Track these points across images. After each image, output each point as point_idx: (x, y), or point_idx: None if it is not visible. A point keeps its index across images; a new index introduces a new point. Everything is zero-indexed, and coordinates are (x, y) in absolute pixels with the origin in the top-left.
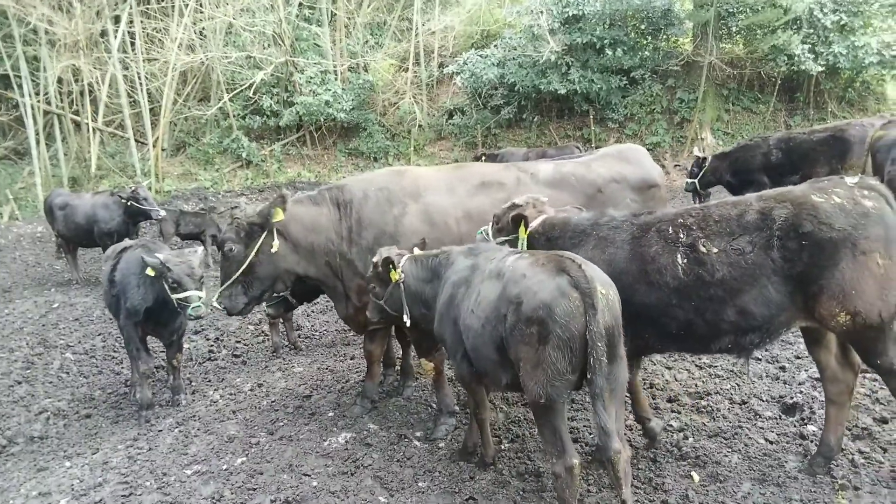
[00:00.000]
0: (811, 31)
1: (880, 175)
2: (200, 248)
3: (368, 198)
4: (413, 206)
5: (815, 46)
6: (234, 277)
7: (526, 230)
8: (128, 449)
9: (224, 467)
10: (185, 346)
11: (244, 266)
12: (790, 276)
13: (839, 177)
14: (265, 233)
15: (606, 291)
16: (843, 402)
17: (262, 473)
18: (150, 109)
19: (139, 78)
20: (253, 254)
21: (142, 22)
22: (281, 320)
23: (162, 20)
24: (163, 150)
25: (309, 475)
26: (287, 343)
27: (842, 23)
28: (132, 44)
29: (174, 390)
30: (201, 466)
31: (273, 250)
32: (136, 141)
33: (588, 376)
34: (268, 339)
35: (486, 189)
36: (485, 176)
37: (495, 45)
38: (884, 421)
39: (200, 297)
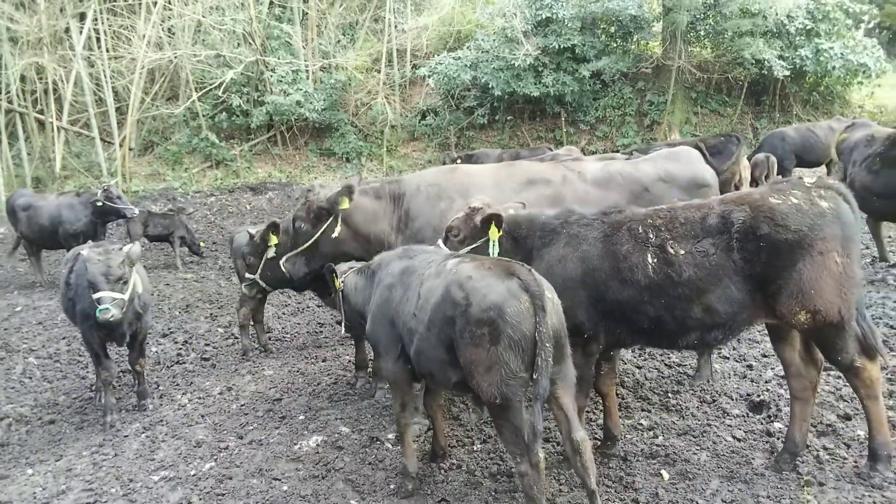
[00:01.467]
0: (778, 35)
1: (843, 176)
2: (133, 246)
3: (420, 192)
4: (460, 201)
5: (783, 51)
6: (300, 250)
7: (499, 230)
8: (93, 455)
9: (192, 473)
10: (153, 349)
11: (308, 243)
12: (750, 276)
13: (798, 177)
14: (331, 218)
15: (552, 296)
16: (807, 399)
17: (231, 479)
18: (117, 108)
19: (105, 76)
20: (318, 234)
21: (108, 19)
22: (252, 322)
23: (129, 17)
24: (130, 149)
25: (279, 480)
26: (257, 346)
27: (808, 28)
28: (98, 41)
29: (140, 395)
30: (168, 472)
31: (334, 235)
32: (103, 140)
33: (534, 376)
34: (238, 342)
35: (532, 186)
36: (532, 174)
37: (468, 47)
38: (847, 417)
39: (113, 300)
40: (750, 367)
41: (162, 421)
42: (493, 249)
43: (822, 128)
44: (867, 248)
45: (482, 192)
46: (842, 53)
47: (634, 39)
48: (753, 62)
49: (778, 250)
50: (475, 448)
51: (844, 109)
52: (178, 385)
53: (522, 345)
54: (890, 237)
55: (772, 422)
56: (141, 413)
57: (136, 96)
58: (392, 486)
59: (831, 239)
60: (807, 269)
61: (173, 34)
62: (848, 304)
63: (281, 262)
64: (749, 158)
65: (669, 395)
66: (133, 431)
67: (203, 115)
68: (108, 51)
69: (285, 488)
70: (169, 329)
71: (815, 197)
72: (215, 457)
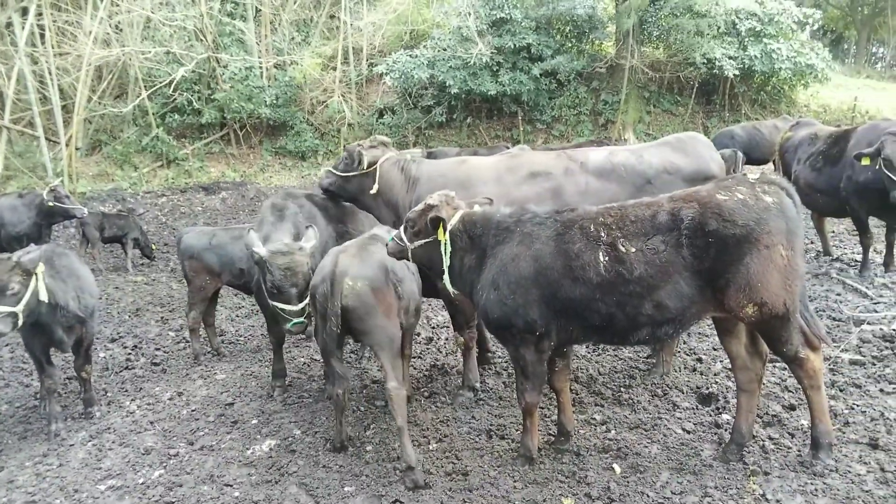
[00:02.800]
0: (728, 35)
1: (787, 173)
2: (32, 254)
3: (429, 180)
4: (462, 193)
5: (732, 51)
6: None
7: (445, 232)
8: (36, 466)
9: (140, 481)
10: (101, 354)
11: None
12: (699, 271)
13: (742, 174)
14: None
15: (354, 282)
16: (752, 390)
17: (181, 486)
18: (63, 106)
19: (50, 73)
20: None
21: (52, 14)
22: (203, 325)
23: (74, 13)
24: (76, 149)
25: (231, 485)
26: (210, 349)
27: (757, 29)
28: (42, 37)
29: (86, 403)
30: (116, 481)
31: (372, 191)
32: (48, 140)
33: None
34: (188, 346)
35: (533, 179)
36: (535, 166)
37: (425, 46)
38: (792, 408)
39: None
40: (700, 360)
41: (109, 428)
42: (444, 248)
43: (767, 126)
44: (811, 242)
45: (485, 185)
46: (789, 55)
47: (589, 39)
48: (704, 62)
49: (726, 245)
50: (430, 447)
51: (791, 109)
52: (126, 391)
53: (323, 315)
54: (833, 232)
55: (720, 414)
56: (87, 421)
57: (83, 94)
58: (347, 489)
59: (776, 233)
60: (754, 262)
61: (121, 30)
62: (792, 296)
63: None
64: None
65: (622, 389)
66: (79, 440)
67: (153, 114)
68: (52, 47)
69: (237, 494)
70: (118, 334)
71: (760, 192)
72: (164, 464)
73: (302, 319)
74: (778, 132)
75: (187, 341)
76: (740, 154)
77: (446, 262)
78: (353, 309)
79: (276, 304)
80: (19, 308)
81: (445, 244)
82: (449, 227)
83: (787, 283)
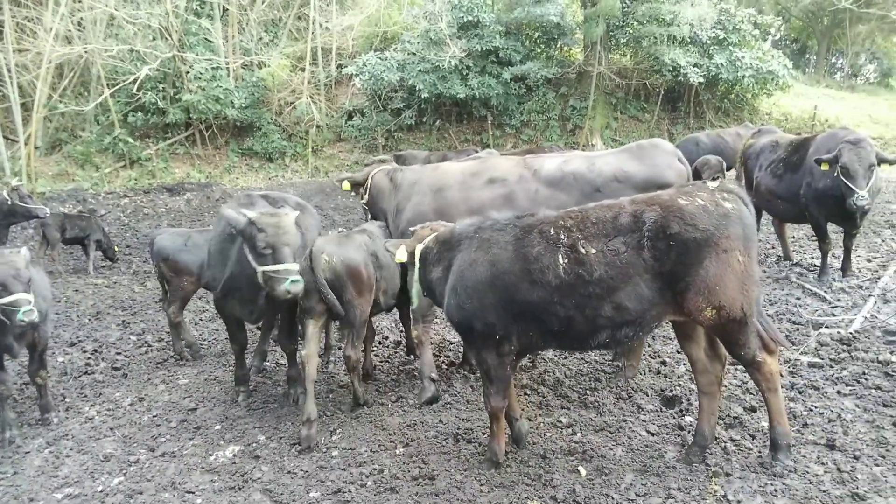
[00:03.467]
0: (693, 44)
1: (749, 180)
2: (24, 249)
3: (409, 187)
4: (430, 198)
5: (698, 58)
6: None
7: (415, 261)
8: None
9: (99, 489)
10: (60, 359)
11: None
12: (660, 273)
13: (702, 181)
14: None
15: (330, 258)
16: (713, 393)
17: (141, 493)
18: (22, 104)
19: (8, 70)
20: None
21: (11, 10)
22: (171, 327)
23: (35, 9)
24: (36, 148)
25: (193, 493)
26: (178, 350)
27: (720, 38)
28: (0, 33)
29: (42, 409)
30: (73, 489)
31: (362, 201)
32: (5, 138)
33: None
34: (151, 350)
35: (491, 185)
36: (494, 172)
37: (395, 48)
38: (753, 410)
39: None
40: (664, 363)
41: (67, 435)
42: (414, 276)
43: (730, 134)
44: (772, 247)
45: (451, 189)
46: (752, 63)
47: (557, 45)
48: (670, 69)
49: (687, 248)
50: (397, 452)
51: (753, 116)
52: (85, 396)
53: (309, 289)
54: (793, 238)
55: (683, 416)
56: (44, 427)
57: (43, 92)
58: (312, 494)
59: (735, 238)
60: (713, 266)
61: (83, 28)
62: (749, 301)
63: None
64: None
65: (588, 392)
66: (35, 447)
67: (116, 113)
68: (11, 43)
69: (199, 501)
70: (77, 338)
71: (720, 199)
72: (124, 471)
73: (299, 278)
74: (740, 139)
75: (149, 345)
76: (723, 162)
77: (411, 282)
78: (328, 282)
79: (269, 268)
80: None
81: (416, 271)
82: (420, 250)
83: (744, 287)
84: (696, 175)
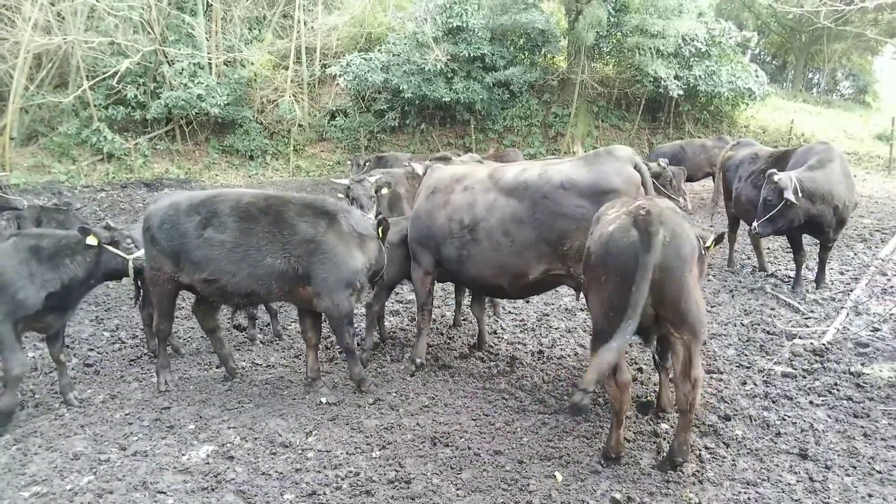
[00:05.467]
0: (675, 56)
1: (727, 191)
2: None
3: (423, 187)
4: (424, 198)
5: (677, 71)
6: None
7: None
8: None
9: (68, 488)
10: (31, 354)
11: None
12: None
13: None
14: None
15: None
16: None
17: (111, 493)
18: None
19: None
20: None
21: None
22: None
23: None
24: (11, 138)
25: (164, 493)
26: (153, 348)
27: (702, 51)
28: None
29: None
30: (41, 488)
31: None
32: None
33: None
34: (125, 347)
35: (464, 192)
36: (471, 179)
37: (380, 49)
38: (727, 418)
39: None
40: (640, 370)
41: (36, 432)
42: None
43: (693, 145)
44: (748, 258)
45: (439, 192)
46: (729, 77)
47: (542, 53)
48: (651, 80)
49: None
50: (374, 455)
51: (731, 129)
52: (55, 393)
53: None
54: (768, 249)
55: (658, 423)
56: (11, 425)
57: (20, 82)
58: (286, 496)
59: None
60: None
61: (63, 18)
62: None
63: None
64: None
65: (565, 397)
66: (2, 444)
67: (95, 106)
68: None
69: (171, 502)
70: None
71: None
72: (94, 470)
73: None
74: (704, 151)
75: (122, 341)
76: (676, 170)
77: None
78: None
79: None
80: None
81: None
82: None
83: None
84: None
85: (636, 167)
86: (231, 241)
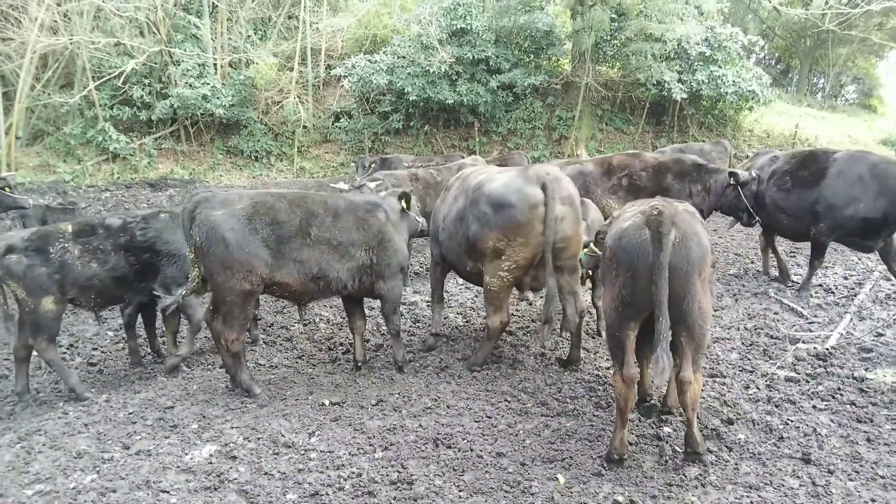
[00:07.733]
0: (678, 59)
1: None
2: None
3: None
4: (440, 194)
5: (682, 74)
6: None
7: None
8: None
9: (71, 486)
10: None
11: None
12: None
13: None
14: None
15: None
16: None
17: (114, 491)
18: (4, 93)
19: None
20: None
21: None
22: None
23: None
24: (17, 138)
25: (167, 492)
26: (155, 347)
27: (706, 54)
28: None
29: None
30: (45, 486)
31: None
32: None
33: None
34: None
35: (454, 194)
36: (464, 182)
37: (384, 52)
38: (730, 422)
39: None
40: (641, 373)
41: (40, 430)
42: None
43: (691, 150)
44: (752, 262)
45: (448, 191)
46: (734, 80)
47: (546, 55)
48: (655, 83)
49: None
50: (376, 456)
51: (736, 132)
52: (60, 392)
53: None
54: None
55: (661, 426)
56: (16, 423)
57: (26, 82)
58: (289, 496)
59: None
60: None
61: (69, 19)
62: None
63: None
64: None
65: (568, 400)
66: (6, 442)
67: (100, 106)
68: None
69: (173, 501)
70: None
71: None
72: (98, 468)
73: None
74: (703, 155)
75: (126, 340)
76: None
77: None
78: None
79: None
80: None
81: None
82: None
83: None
84: None
85: (544, 188)
86: (335, 239)
